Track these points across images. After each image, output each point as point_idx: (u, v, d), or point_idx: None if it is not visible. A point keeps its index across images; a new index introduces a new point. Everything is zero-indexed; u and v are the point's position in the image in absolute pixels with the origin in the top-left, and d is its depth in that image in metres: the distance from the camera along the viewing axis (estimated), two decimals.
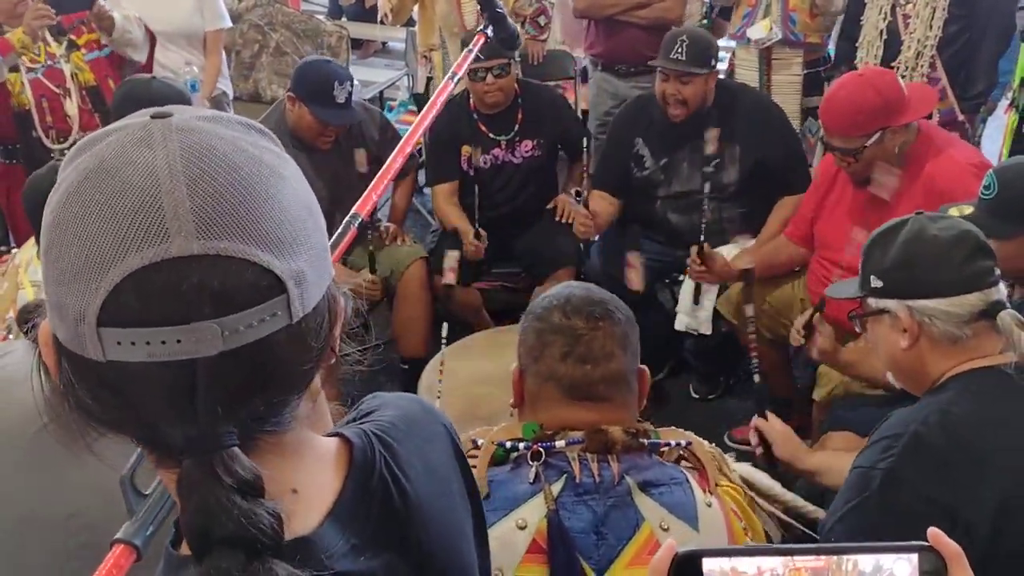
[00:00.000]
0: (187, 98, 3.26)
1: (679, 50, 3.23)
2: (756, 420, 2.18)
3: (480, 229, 3.58)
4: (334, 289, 0.75)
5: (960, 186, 2.59)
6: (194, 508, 0.64)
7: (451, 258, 3.42)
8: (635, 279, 3.20)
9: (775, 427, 2.14)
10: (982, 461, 1.58)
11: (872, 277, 1.77)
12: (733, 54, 4.05)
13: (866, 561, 0.69)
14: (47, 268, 0.66)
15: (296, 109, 3.40)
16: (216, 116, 0.70)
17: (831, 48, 4.03)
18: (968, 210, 2.20)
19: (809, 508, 1.91)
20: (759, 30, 3.76)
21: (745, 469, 1.84)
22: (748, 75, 3.82)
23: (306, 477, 0.76)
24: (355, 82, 3.52)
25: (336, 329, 0.75)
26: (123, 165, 0.64)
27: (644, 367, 1.55)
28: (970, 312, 1.66)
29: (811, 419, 3.05)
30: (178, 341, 0.63)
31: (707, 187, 3.33)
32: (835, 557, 0.69)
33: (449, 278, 3.44)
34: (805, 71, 3.85)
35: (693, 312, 3.37)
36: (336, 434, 0.82)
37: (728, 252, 3.35)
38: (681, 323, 3.41)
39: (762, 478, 1.89)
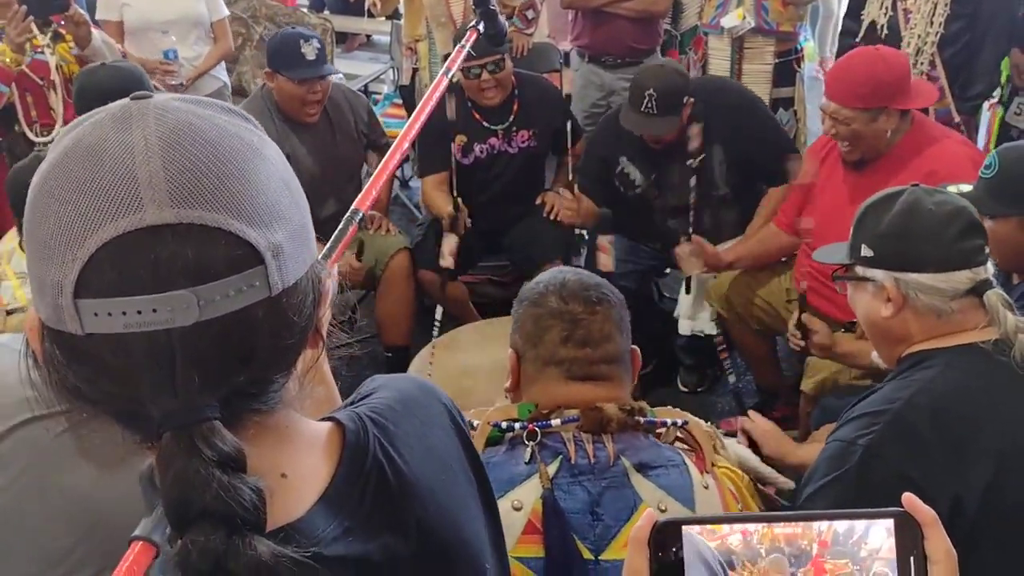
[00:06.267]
0: (141, 79, 3.04)
1: (649, 105, 3.14)
2: (742, 421, 2.16)
3: (460, 204, 3.51)
4: (319, 269, 0.74)
5: (959, 173, 2.57)
6: (171, 481, 0.62)
7: (451, 241, 3.37)
8: (606, 261, 3.17)
9: (759, 425, 2.13)
10: (968, 440, 1.58)
11: (863, 246, 1.76)
12: (705, 43, 4.04)
13: (840, 524, 0.70)
14: (28, 248, 0.67)
15: (276, 83, 3.44)
16: (195, 99, 0.70)
17: (803, 39, 4.03)
18: (966, 189, 2.20)
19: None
20: (732, 19, 3.78)
21: (732, 446, 1.84)
22: (720, 64, 3.82)
23: (296, 462, 0.75)
24: (322, 41, 3.52)
25: (321, 309, 0.74)
26: (100, 142, 0.65)
27: (635, 347, 1.56)
28: (957, 289, 1.66)
29: (798, 410, 3.06)
30: (154, 311, 0.62)
31: (693, 181, 3.28)
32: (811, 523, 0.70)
33: (449, 262, 3.39)
34: (776, 61, 3.85)
35: (695, 314, 3.36)
36: (329, 418, 0.82)
37: (719, 247, 3.35)
38: (686, 328, 3.41)
39: (749, 456, 1.89)
